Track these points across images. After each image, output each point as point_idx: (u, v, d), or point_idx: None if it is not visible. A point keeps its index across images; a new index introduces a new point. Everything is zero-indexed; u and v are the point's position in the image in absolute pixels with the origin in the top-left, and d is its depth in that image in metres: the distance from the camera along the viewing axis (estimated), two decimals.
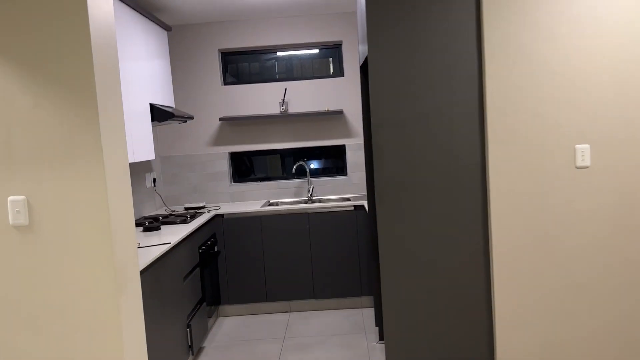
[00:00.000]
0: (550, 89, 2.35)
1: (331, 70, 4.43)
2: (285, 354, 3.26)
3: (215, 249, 3.84)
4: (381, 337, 3.28)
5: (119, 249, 1.84)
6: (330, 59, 4.42)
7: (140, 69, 3.26)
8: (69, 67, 1.74)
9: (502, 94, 2.36)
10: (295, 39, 4.29)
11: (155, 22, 3.61)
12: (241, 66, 4.45)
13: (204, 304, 3.41)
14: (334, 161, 4.48)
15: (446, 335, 2.45)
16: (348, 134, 4.35)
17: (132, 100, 3.06)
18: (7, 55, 1.75)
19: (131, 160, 2.96)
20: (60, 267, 1.79)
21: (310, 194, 4.28)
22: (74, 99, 1.75)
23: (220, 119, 4.18)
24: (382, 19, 2.37)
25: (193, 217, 3.61)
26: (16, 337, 1.82)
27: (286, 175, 4.49)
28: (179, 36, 4.29)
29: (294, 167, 4.26)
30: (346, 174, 4.44)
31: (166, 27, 3.81)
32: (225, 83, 4.41)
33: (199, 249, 3.39)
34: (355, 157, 4.37)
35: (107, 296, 1.80)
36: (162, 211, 4.11)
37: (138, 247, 2.72)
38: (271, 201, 4.34)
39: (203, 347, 3.44)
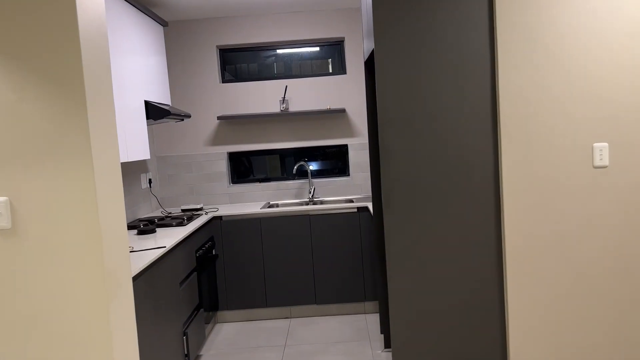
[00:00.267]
0: (566, 85, 2.23)
1: (330, 69, 4.29)
2: None
3: (213, 253, 3.70)
4: (387, 345, 3.15)
5: (109, 254, 1.71)
6: (332, 56, 4.29)
7: (134, 65, 3.12)
8: (55, 59, 1.62)
9: (515, 90, 2.24)
10: (296, 36, 4.16)
11: (150, 17, 3.47)
12: (240, 63, 4.31)
13: (201, 310, 3.27)
14: (335, 161, 4.35)
15: (457, 344, 2.32)
16: (350, 133, 4.22)
17: (125, 96, 2.93)
18: None
19: (124, 160, 2.82)
20: (46, 273, 1.66)
21: (312, 196, 4.15)
22: (61, 93, 1.63)
23: (219, 118, 4.04)
24: (389, 12, 2.24)
25: (190, 219, 3.47)
26: None
27: (286, 175, 4.36)
28: (175, 32, 4.16)
29: (295, 167, 4.12)
30: (348, 175, 4.31)
31: (162, 22, 3.68)
32: (224, 81, 4.27)
33: (196, 252, 3.25)
34: (357, 157, 4.24)
35: (96, 303, 1.68)
36: (157, 213, 3.97)
37: (131, 251, 2.58)
38: (271, 203, 4.21)
39: (200, 356, 3.29)
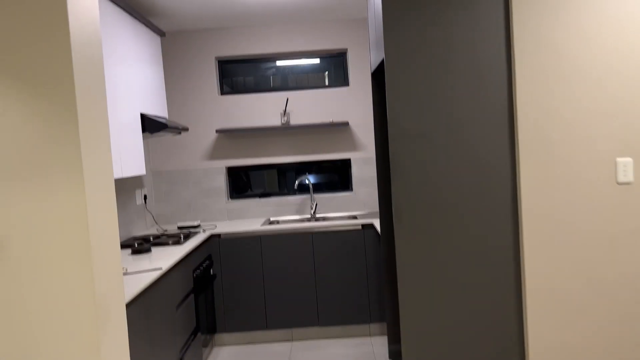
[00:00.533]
0: (587, 96, 2.11)
1: (332, 81, 4.18)
2: None
3: (211, 272, 3.53)
4: None
5: (100, 278, 1.56)
6: (334, 68, 4.17)
7: (130, 76, 2.98)
8: (44, 66, 1.48)
9: (534, 101, 2.11)
10: (297, 47, 4.04)
11: (147, 26, 3.35)
12: (239, 75, 4.18)
13: (199, 333, 3.09)
14: (338, 176, 4.21)
15: None
16: (353, 147, 4.09)
17: (120, 109, 2.78)
18: None
19: (119, 176, 2.66)
20: (29, 299, 1.51)
21: (314, 211, 4.00)
22: (49, 102, 1.50)
23: (217, 131, 3.90)
24: (400, 20, 2.12)
25: (187, 237, 3.31)
26: None
27: (287, 191, 4.21)
28: (173, 42, 4.03)
29: (296, 182, 3.97)
30: (351, 190, 4.16)
31: (159, 32, 3.55)
32: (223, 93, 4.14)
33: (194, 272, 3.08)
34: (361, 172, 4.10)
35: (86, 334, 1.52)
36: (153, 231, 3.80)
37: (125, 274, 2.41)
38: (271, 219, 4.05)
39: None
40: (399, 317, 2.88)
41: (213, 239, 3.58)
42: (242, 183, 4.21)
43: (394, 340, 2.94)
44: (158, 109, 3.44)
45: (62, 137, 1.50)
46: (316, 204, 4.05)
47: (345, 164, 4.18)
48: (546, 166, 2.12)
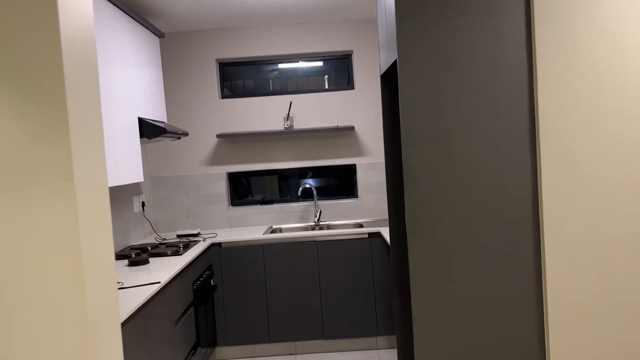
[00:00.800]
0: (614, 99, 1.97)
1: (331, 84, 4.04)
2: None
3: (212, 283, 3.39)
4: None
5: (93, 298, 1.42)
6: (339, 71, 4.04)
7: (127, 78, 2.85)
8: (31, 66, 1.36)
9: (557, 104, 1.98)
10: (300, 49, 3.91)
11: (146, 27, 3.21)
12: (241, 78, 4.05)
13: (199, 348, 2.95)
14: (343, 182, 4.07)
15: None
16: (359, 152, 3.95)
17: (117, 113, 2.64)
18: None
19: (115, 184, 2.52)
20: (14, 321, 1.36)
21: (318, 219, 3.86)
22: (37, 106, 1.36)
23: (218, 136, 3.76)
24: (414, 19, 1.99)
25: (186, 246, 3.16)
26: None
27: (290, 197, 4.07)
28: (172, 44, 3.90)
29: (300, 188, 3.83)
30: (357, 197, 4.02)
31: (158, 34, 3.42)
32: (224, 96, 4.01)
33: (194, 284, 2.94)
34: (367, 178, 3.96)
35: (77, 358, 1.37)
36: (151, 239, 3.65)
37: (121, 288, 2.27)
38: (274, 227, 3.91)
39: None
40: (412, 332, 2.74)
41: (213, 248, 3.44)
42: (243, 189, 4.07)
43: (405, 355, 2.79)
44: (156, 113, 3.31)
45: (51, 143, 1.37)
46: (320, 211, 3.91)
47: (351, 169, 4.05)
48: (570, 174, 1.99)
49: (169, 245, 3.20)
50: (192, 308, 2.87)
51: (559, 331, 1.98)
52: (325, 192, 4.06)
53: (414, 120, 2.01)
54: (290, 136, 3.94)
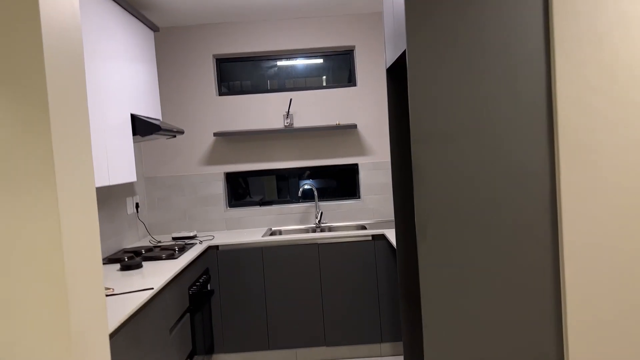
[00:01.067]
0: (637, 95, 1.84)
1: (332, 80, 3.91)
2: None
3: (209, 288, 3.24)
4: None
5: (77, 304, 1.30)
6: (341, 67, 3.91)
7: (119, 73, 2.70)
8: (7, 57, 1.24)
9: (576, 98, 1.85)
10: (301, 44, 3.77)
11: (140, 19, 3.07)
12: (239, 74, 3.91)
13: (195, 356, 2.80)
14: (345, 182, 3.93)
15: None
16: (361, 151, 3.82)
17: (108, 109, 2.50)
18: None
19: (105, 184, 2.38)
20: None
21: (319, 221, 3.72)
22: (16, 100, 1.24)
23: (215, 134, 3.62)
24: (425, 6, 1.86)
25: (182, 250, 3.02)
26: None
27: (290, 198, 3.93)
28: (168, 38, 3.75)
29: (300, 189, 3.69)
30: (359, 197, 3.89)
31: (153, 27, 3.28)
32: (221, 93, 3.87)
33: (189, 289, 2.80)
34: (369, 178, 3.83)
35: None
36: (145, 242, 3.51)
37: (111, 294, 2.13)
38: (273, 229, 3.77)
39: None
40: (420, 340, 2.60)
41: (210, 251, 3.30)
42: (241, 190, 3.93)
43: None
44: (150, 110, 3.16)
45: (30, 141, 1.24)
46: (321, 213, 3.77)
47: (353, 169, 3.91)
48: (590, 173, 1.86)
49: (163, 249, 3.06)
50: (187, 314, 2.73)
51: (579, 342, 1.85)
52: (327, 193, 3.93)
53: (424, 116, 1.88)
54: (290, 135, 3.80)
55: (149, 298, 2.11)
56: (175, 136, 3.26)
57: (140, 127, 2.75)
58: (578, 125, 1.86)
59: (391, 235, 3.21)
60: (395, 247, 2.69)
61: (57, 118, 1.27)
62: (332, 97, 3.79)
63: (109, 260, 2.82)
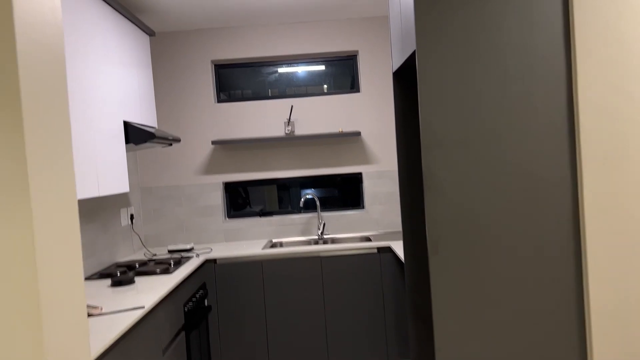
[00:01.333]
0: None
1: (335, 87, 3.78)
2: None
3: (206, 304, 3.09)
4: None
5: (53, 328, 1.16)
6: (344, 72, 3.78)
7: (112, 78, 2.57)
8: None
9: (600, 103, 1.71)
10: (302, 49, 3.65)
11: (134, 23, 2.95)
12: (238, 80, 3.78)
13: None
14: (348, 192, 3.79)
15: None
16: (365, 159, 3.67)
17: (99, 115, 2.37)
18: None
19: (93, 195, 2.24)
20: None
21: (321, 232, 3.57)
22: None
23: (213, 143, 3.48)
24: (436, 6, 1.73)
25: (178, 263, 2.87)
26: None
27: (291, 208, 3.78)
28: (164, 43, 3.63)
29: (302, 199, 3.55)
30: (363, 208, 3.74)
31: (148, 31, 3.16)
32: (219, 100, 3.74)
33: (185, 306, 2.64)
34: (374, 187, 3.68)
35: None
36: (140, 255, 3.36)
37: (99, 314, 1.97)
38: (274, 241, 3.62)
39: None
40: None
41: (208, 265, 3.14)
42: (240, 200, 3.78)
43: None
44: (145, 117, 3.03)
45: (2, 150, 1.11)
46: (324, 224, 3.62)
47: (356, 178, 3.77)
48: (615, 181, 1.72)
49: (158, 262, 2.90)
50: (182, 333, 2.57)
51: (603, 356, 1.69)
52: (329, 203, 3.78)
53: (435, 120, 1.75)
54: (291, 143, 3.67)
55: (139, 318, 1.96)
56: (171, 144, 3.12)
57: (134, 135, 2.62)
58: (601, 130, 1.72)
59: (398, 247, 3.06)
60: (403, 261, 2.55)
61: (31, 121, 1.14)
62: (335, 103, 3.66)
63: (100, 275, 2.67)
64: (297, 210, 3.76)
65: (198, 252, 3.30)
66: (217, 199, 3.68)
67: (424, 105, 1.74)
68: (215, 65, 3.73)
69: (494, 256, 1.73)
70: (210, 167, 3.67)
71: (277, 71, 3.77)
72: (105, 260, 2.98)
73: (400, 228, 3.78)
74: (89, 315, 1.97)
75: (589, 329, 1.71)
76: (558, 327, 1.73)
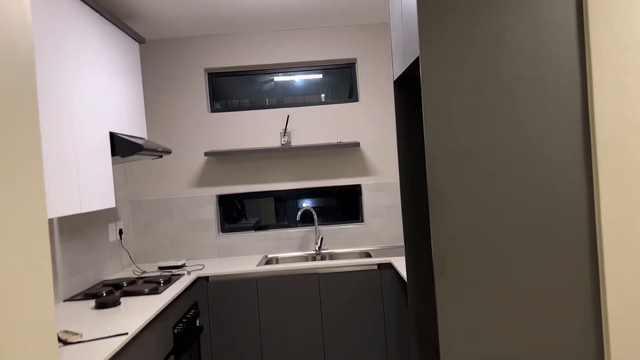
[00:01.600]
0: None
1: (333, 96, 3.65)
2: None
3: (197, 324, 2.93)
4: None
5: None
6: (341, 81, 3.66)
7: (97, 87, 2.44)
8: None
9: (617, 113, 1.59)
10: (299, 57, 3.53)
11: (123, 30, 2.82)
12: (232, 90, 3.66)
13: None
14: (346, 205, 3.65)
15: None
16: (365, 171, 3.54)
17: (83, 126, 2.23)
18: None
19: (75, 212, 2.09)
20: None
21: (319, 247, 3.42)
22: None
23: (206, 154, 3.34)
24: (441, 11, 1.61)
25: (168, 282, 2.72)
26: None
27: (288, 222, 3.64)
28: (155, 51, 3.51)
29: (299, 212, 3.41)
30: (362, 221, 3.60)
31: (138, 39, 3.03)
32: (213, 110, 3.61)
33: (174, 328, 2.49)
34: (373, 200, 3.54)
35: None
36: (129, 272, 3.21)
37: (78, 342, 1.82)
38: (269, 257, 3.47)
39: None
40: None
41: (200, 283, 2.99)
42: (235, 214, 3.64)
43: None
44: (134, 128, 2.89)
45: None
46: (322, 238, 3.48)
47: (355, 190, 3.63)
48: (634, 195, 1.59)
49: (147, 281, 2.75)
50: (172, 357, 2.41)
51: None
52: (327, 216, 3.64)
53: (441, 131, 1.62)
54: (287, 154, 3.53)
55: (122, 345, 1.81)
56: (161, 156, 2.98)
57: (120, 147, 2.48)
58: (619, 141, 1.60)
59: (399, 263, 2.92)
60: (406, 280, 2.41)
61: None
62: (333, 113, 3.53)
63: (84, 295, 2.52)
64: (293, 224, 3.62)
65: (190, 269, 3.15)
66: (210, 212, 3.53)
67: (428, 115, 1.62)
68: (209, 74, 3.60)
69: (506, 277, 1.60)
70: (203, 180, 3.53)
71: (273, 80, 3.64)
72: (90, 279, 2.82)
73: (401, 242, 3.64)
74: (67, 342, 1.82)
75: (609, 357, 1.57)
76: (577, 355, 1.59)
